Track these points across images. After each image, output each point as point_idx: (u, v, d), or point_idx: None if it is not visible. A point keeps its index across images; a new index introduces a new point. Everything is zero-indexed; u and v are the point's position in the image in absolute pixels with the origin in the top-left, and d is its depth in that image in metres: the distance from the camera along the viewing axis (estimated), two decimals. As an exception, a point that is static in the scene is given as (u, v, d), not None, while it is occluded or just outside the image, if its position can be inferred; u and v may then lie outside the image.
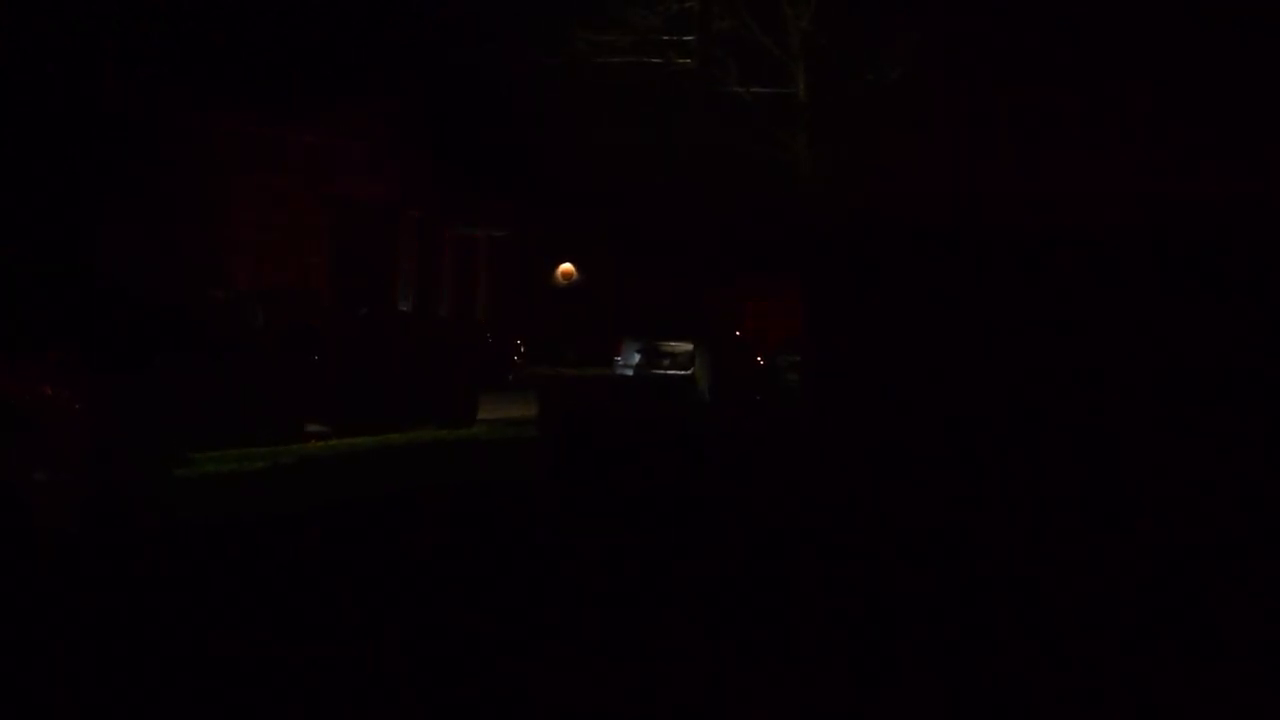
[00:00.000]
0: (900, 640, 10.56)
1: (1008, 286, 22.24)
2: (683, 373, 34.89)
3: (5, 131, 32.41)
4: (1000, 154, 25.41)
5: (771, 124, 32.08)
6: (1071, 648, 10.61)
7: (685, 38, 32.74)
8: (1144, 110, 24.82)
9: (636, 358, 39.10)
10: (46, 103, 33.60)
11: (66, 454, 16.90)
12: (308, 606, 11.10)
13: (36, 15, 33.13)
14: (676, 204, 43.68)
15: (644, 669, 9.61)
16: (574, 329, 55.17)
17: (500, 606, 11.35)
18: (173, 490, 17.08)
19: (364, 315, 33.03)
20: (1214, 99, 24.57)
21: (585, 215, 56.58)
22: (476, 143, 53.93)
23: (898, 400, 22.35)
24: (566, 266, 59.50)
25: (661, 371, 37.07)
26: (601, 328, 53.50)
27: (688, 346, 36.82)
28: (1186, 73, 24.75)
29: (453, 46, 48.81)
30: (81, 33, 34.16)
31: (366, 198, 49.00)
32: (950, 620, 11.25)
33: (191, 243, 37.99)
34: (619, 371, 38.97)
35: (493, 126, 53.93)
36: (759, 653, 10.10)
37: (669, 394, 28.74)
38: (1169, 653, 10.58)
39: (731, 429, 25.58)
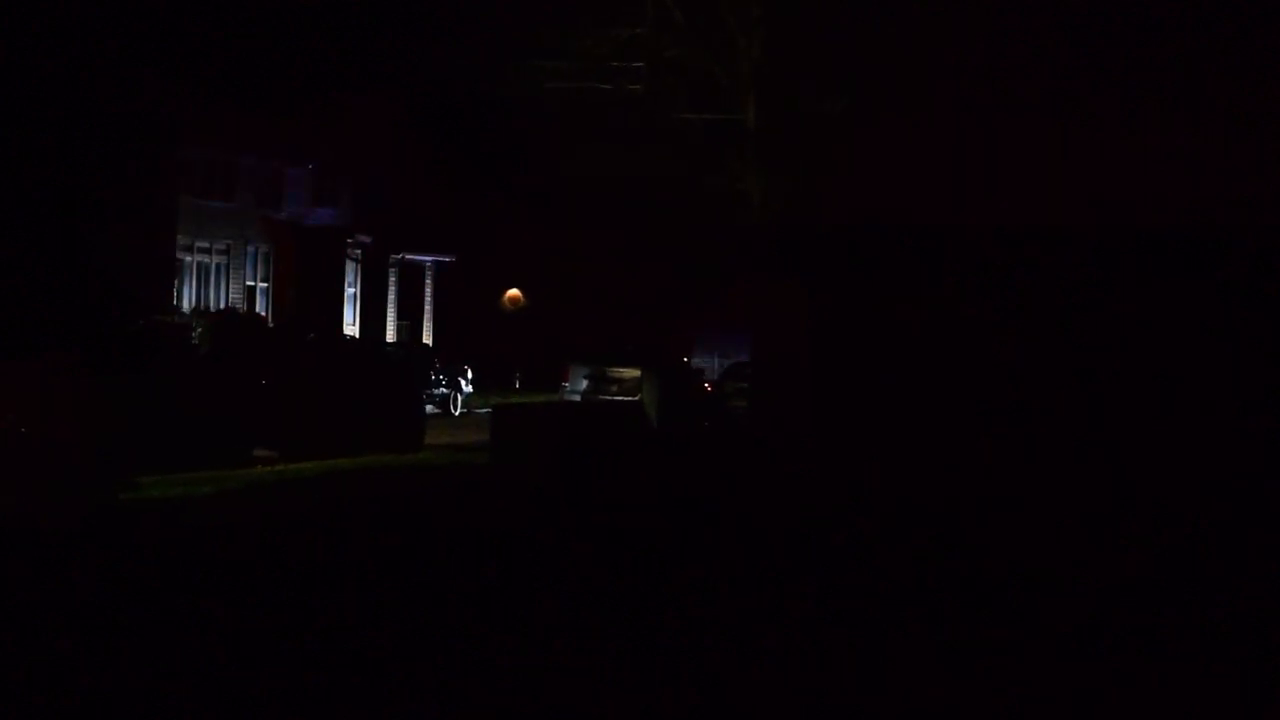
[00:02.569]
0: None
1: (964, 301, 22.32)
2: (630, 399, 34.87)
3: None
4: (962, 175, 25.50)
5: (722, 152, 32.17)
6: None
7: (635, 64, 32.81)
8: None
9: (584, 384, 39.08)
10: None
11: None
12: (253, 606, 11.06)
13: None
14: (626, 231, 43.75)
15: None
16: (522, 354, 55.13)
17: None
18: (117, 514, 16.98)
19: (311, 341, 32.92)
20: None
21: (534, 241, 56.61)
22: (426, 169, 53.91)
23: (849, 419, 22.40)
24: (514, 292, 59.46)
25: (609, 397, 37.06)
26: (550, 353, 53.52)
27: (635, 373, 36.84)
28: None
29: (405, 74, 48.81)
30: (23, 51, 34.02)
31: (314, 222, 48.88)
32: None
33: (137, 266, 37.75)
34: (567, 397, 38.94)
35: (443, 154, 53.93)
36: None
37: (617, 419, 28.75)
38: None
39: (680, 451, 25.59)
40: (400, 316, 54.38)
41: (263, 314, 44.53)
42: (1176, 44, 25.05)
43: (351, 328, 49.64)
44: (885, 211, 25.30)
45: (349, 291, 50.56)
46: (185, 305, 42.55)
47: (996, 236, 22.84)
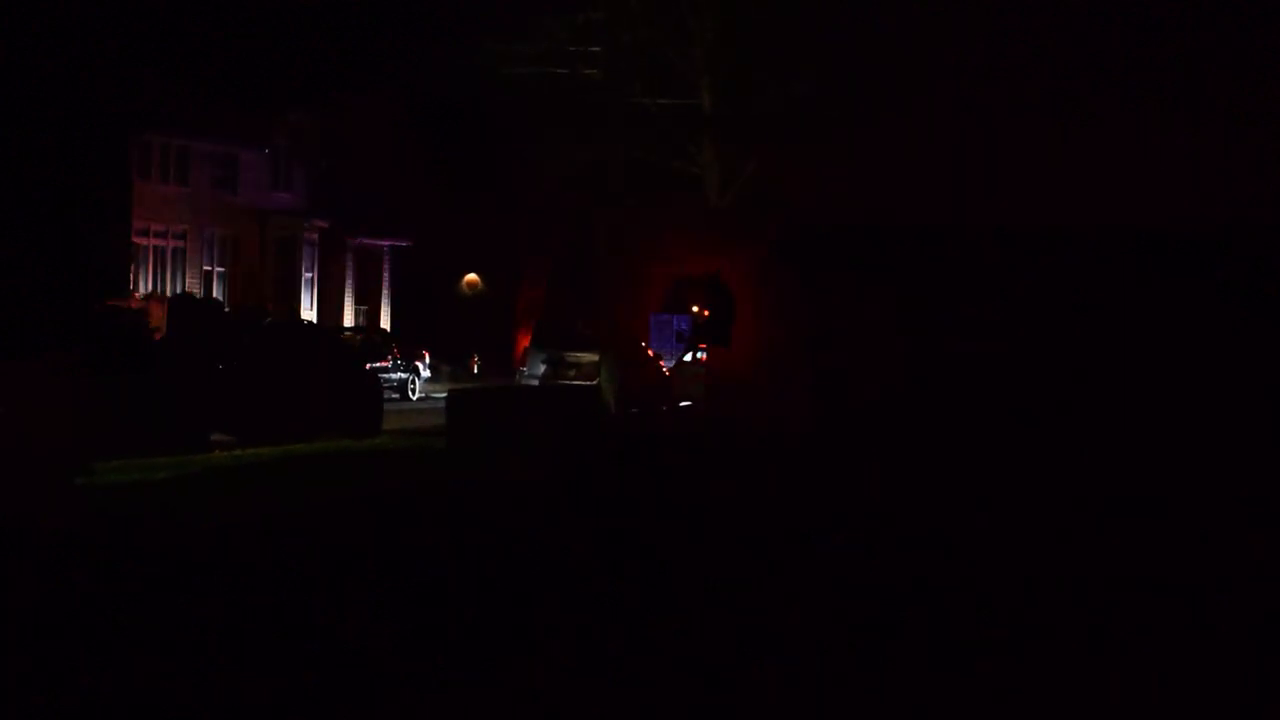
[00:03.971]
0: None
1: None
2: (588, 383, 34.91)
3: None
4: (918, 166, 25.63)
5: (680, 136, 32.24)
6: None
7: (592, 48, 32.87)
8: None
9: (542, 368, 39.13)
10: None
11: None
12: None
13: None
14: (584, 214, 43.71)
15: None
16: (479, 339, 55.09)
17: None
18: (72, 499, 16.94)
19: (268, 325, 32.87)
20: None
21: (491, 225, 56.52)
22: (384, 154, 53.78)
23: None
24: (471, 277, 59.40)
25: (567, 381, 37.09)
26: (507, 338, 53.49)
27: (593, 357, 36.86)
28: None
29: (362, 60, 48.70)
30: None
31: (271, 206, 48.76)
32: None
33: (93, 250, 37.62)
34: (525, 381, 39.00)
35: (401, 138, 53.81)
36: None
37: (574, 403, 28.81)
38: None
39: (636, 436, 25.65)
40: (358, 301, 54.28)
41: (219, 298, 44.42)
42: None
43: (309, 312, 49.54)
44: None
45: (305, 276, 50.46)
46: (142, 290, 42.45)
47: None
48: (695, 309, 36.21)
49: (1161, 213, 23.51)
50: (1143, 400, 21.74)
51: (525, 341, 46.65)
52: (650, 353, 40.62)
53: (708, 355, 32.24)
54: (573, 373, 38.22)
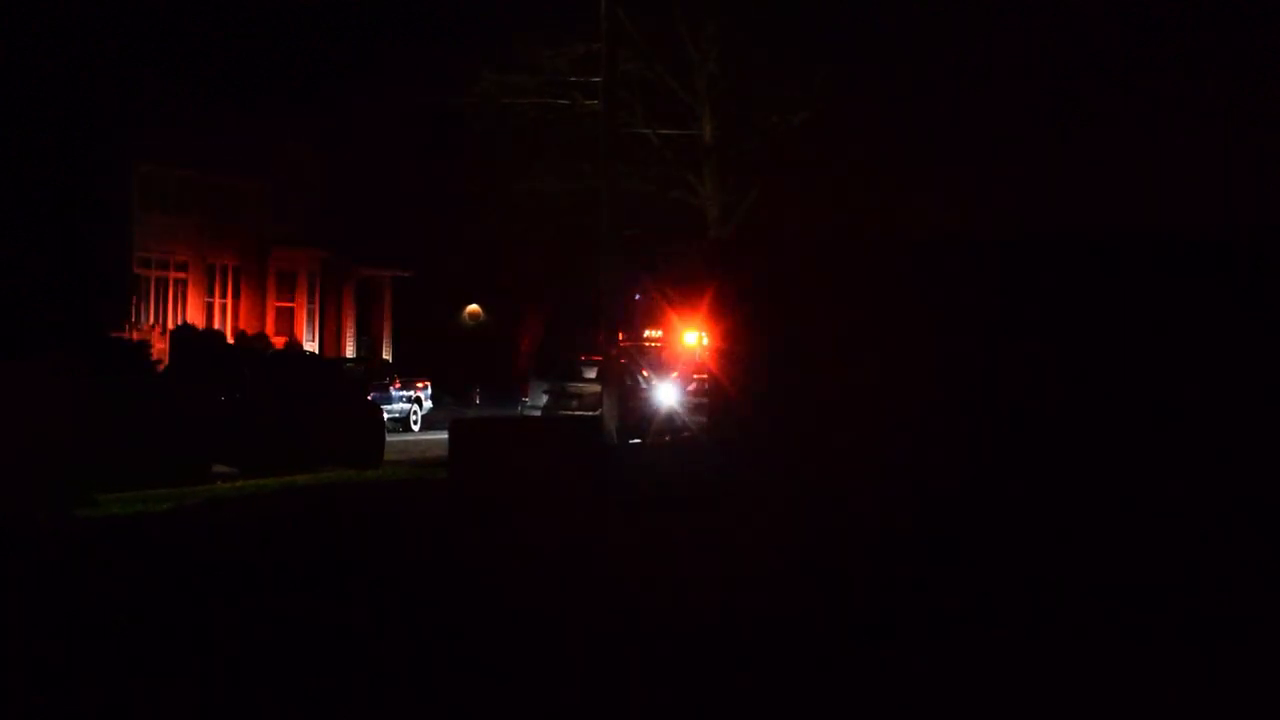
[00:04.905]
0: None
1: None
2: (590, 413, 34.90)
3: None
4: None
5: (680, 167, 32.24)
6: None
7: (592, 80, 32.88)
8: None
9: (544, 399, 39.13)
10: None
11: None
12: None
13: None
14: (584, 246, 43.72)
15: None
16: (481, 370, 55.09)
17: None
18: (74, 530, 16.92)
19: (270, 357, 32.88)
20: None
21: (493, 256, 56.58)
22: (386, 184, 53.83)
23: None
24: (473, 307, 59.42)
25: (569, 412, 37.08)
26: (509, 369, 53.48)
27: (595, 388, 36.87)
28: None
29: (365, 89, 48.79)
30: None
31: (272, 236, 48.75)
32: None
33: (96, 282, 37.63)
34: (527, 412, 39.00)
35: (404, 168, 53.87)
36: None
37: (577, 432, 28.77)
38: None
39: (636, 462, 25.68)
40: (359, 332, 54.27)
41: (221, 329, 44.41)
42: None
43: (310, 343, 49.52)
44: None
45: (307, 306, 50.46)
46: (144, 321, 42.43)
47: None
48: (697, 337, 36.08)
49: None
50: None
51: (527, 373, 46.68)
52: (652, 383, 40.63)
53: (713, 386, 32.15)
54: (575, 403, 38.20)
